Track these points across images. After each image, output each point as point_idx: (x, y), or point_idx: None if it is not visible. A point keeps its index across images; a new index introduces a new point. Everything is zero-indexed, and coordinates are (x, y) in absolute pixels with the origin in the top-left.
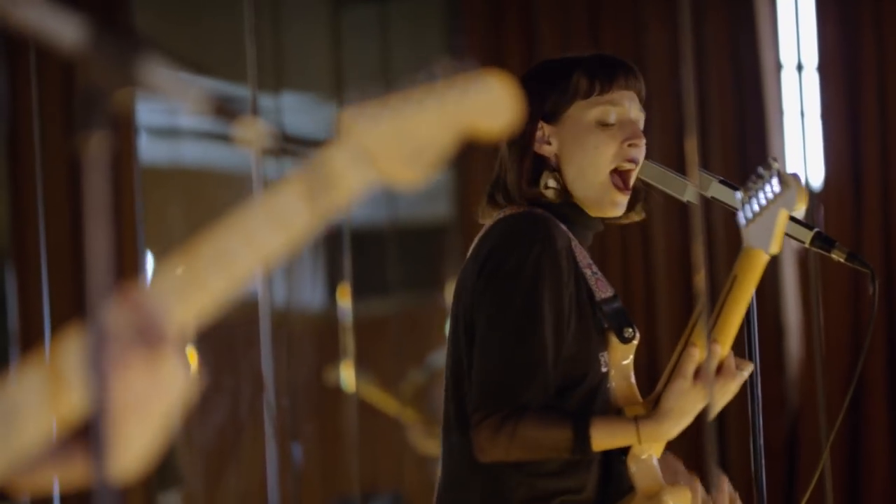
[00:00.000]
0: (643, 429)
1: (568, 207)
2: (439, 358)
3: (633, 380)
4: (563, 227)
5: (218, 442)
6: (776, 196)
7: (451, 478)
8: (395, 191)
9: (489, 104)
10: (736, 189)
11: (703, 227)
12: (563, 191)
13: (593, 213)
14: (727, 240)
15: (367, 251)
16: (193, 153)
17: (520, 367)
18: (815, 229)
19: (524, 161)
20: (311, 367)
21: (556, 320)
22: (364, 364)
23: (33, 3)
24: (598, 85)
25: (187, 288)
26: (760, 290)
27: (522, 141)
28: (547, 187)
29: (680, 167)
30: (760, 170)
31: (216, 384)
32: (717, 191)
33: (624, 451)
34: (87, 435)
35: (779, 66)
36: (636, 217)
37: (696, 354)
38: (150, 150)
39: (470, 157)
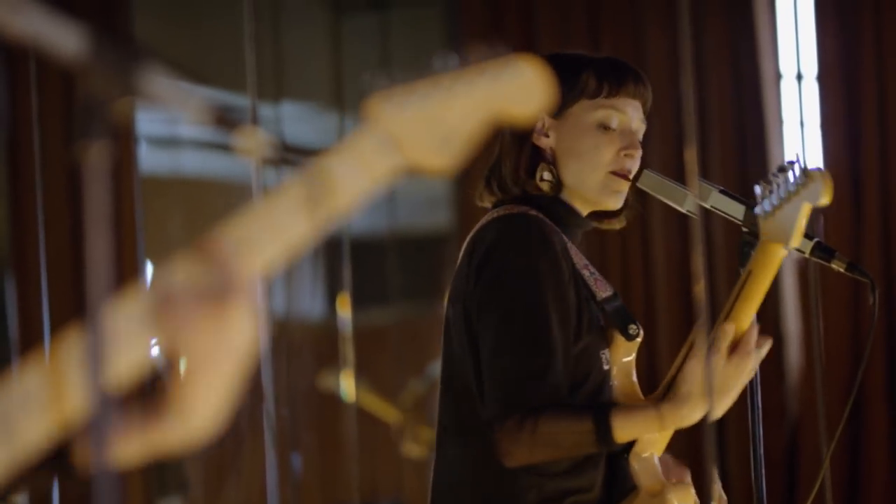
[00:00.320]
0: (666, 414)
1: (559, 205)
2: (439, 368)
3: (634, 377)
4: (556, 228)
5: (218, 451)
6: (799, 189)
7: (452, 482)
8: (396, 200)
9: (521, 89)
10: (736, 199)
11: (703, 237)
12: (558, 184)
13: (592, 206)
14: (727, 249)
15: (366, 260)
16: (193, 163)
17: (532, 369)
18: (815, 239)
19: (522, 150)
20: (310, 377)
21: (562, 319)
22: (364, 374)
23: (33, 13)
24: (607, 87)
25: (263, 235)
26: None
27: (522, 130)
28: (542, 179)
29: (679, 177)
30: (784, 164)
31: None
32: (717, 201)
33: (626, 450)
34: (144, 399)
35: (778, 76)
36: (618, 225)
37: (731, 331)
38: (150, 159)
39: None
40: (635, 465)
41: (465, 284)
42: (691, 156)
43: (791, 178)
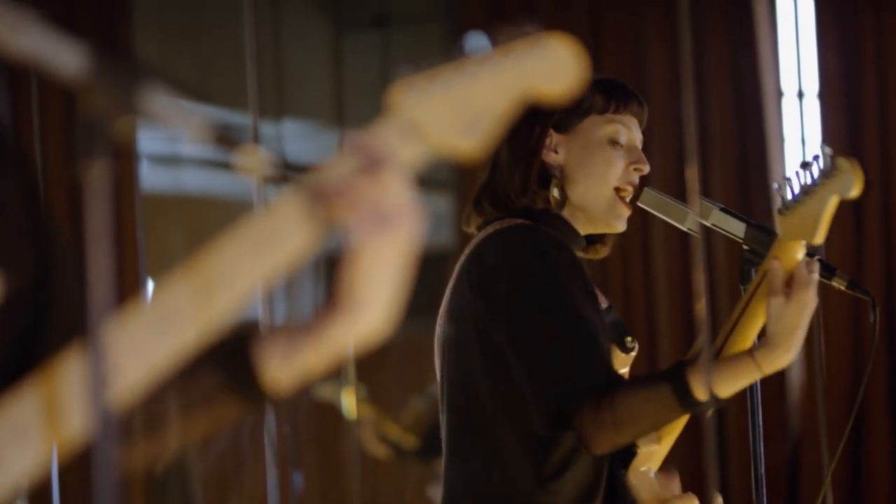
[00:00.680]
0: (761, 359)
1: (559, 221)
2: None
3: None
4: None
5: (219, 470)
6: (826, 181)
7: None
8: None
9: (550, 67)
10: (737, 217)
11: (705, 255)
12: (563, 202)
13: (593, 227)
14: (728, 267)
15: None
16: (194, 181)
17: (580, 353)
18: (816, 257)
19: (532, 167)
20: (311, 395)
21: (592, 304)
22: (366, 391)
23: (35, 31)
24: (614, 103)
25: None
26: None
27: (530, 146)
28: (551, 195)
29: (680, 194)
30: (807, 160)
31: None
32: (718, 219)
33: (625, 465)
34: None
35: (780, 93)
36: (602, 253)
37: (779, 268)
38: (151, 177)
39: (472, 185)
40: (633, 479)
41: (470, 301)
42: (692, 173)
43: (816, 171)
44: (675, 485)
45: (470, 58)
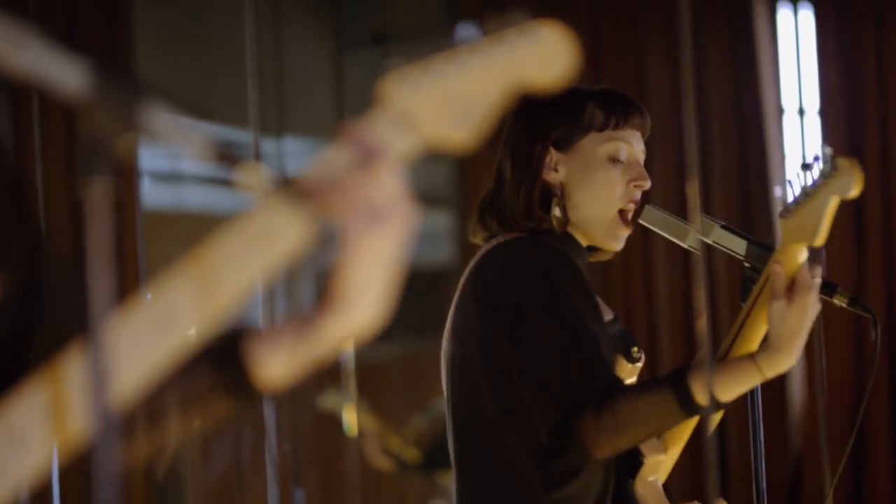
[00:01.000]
0: (763, 363)
1: (564, 236)
2: (442, 403)
3: None
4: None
5: (220, 487)
6: (827, 181)
7: None
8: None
9: (542, 55)
10: (738, 234)
11: (706, 272)
12: (565, 221)
13: (592, 243)
14: (730, 284)
15: None
16: (196, 198)
17: (586, 360)
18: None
19: (534, 187)
20: (313, 412)
21: (595, 315)
22: (367, 409)
23: (36, 49)
24: (614, 119)
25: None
26: None
27: (531, 165)
28: (554, 216)
29: (681, 211)
30: (807, 161)
31: (218, 429)
32: (719, 236)
33: (631, 475)
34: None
35: (780, 110)
36: (605, 256)
37: (781, 272)
38: (152, 194)
39: (472, 201)
40: (640, 490)
41: (475, 315)
42: (693, 190)
43: (816, 172)
44: None
45: (461, 48)
